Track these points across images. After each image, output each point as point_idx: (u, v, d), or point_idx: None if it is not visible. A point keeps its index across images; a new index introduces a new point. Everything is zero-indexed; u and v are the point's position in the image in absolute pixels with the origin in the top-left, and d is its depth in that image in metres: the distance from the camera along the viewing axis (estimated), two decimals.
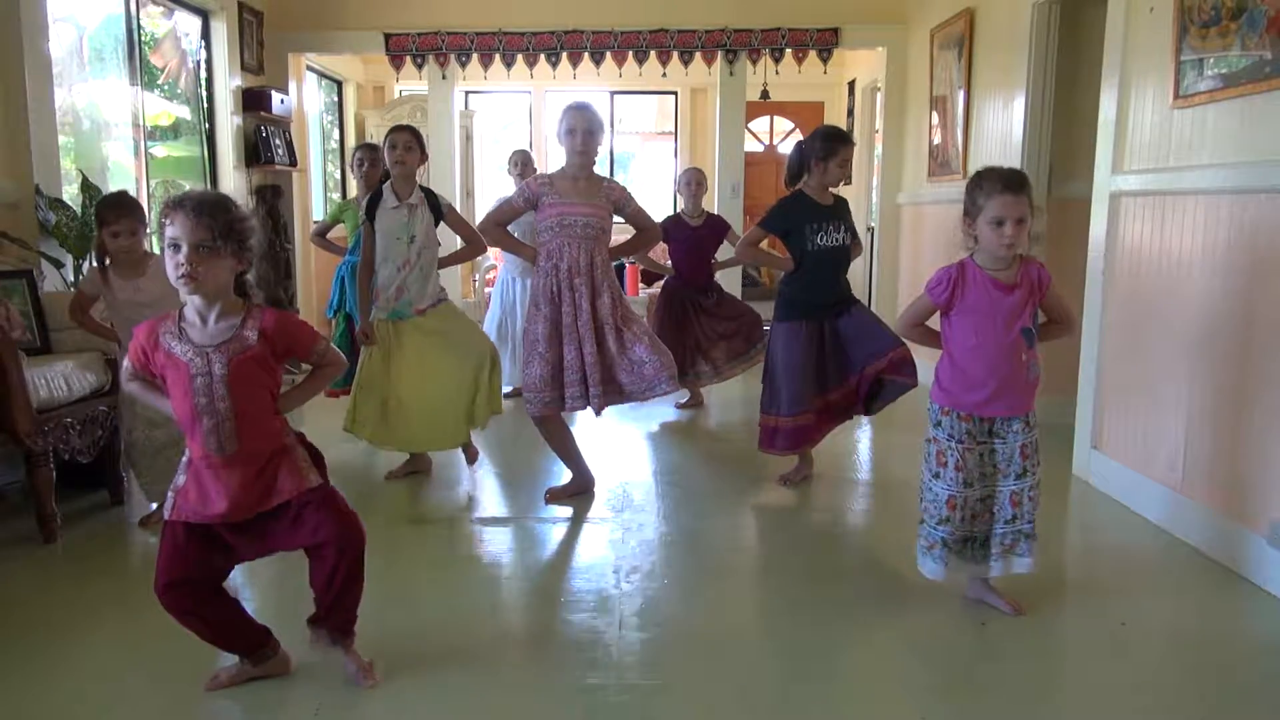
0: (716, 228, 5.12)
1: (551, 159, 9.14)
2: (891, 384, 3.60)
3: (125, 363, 2.12)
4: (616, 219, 3.62)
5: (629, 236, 3.76)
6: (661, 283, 5.30)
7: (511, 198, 3.65)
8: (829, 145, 3.56)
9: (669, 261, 5.19)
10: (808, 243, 3.58)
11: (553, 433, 3.63)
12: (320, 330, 3.30)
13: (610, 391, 3.48)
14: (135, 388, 2.14)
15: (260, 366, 2.03)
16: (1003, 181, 2.38)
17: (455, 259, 4.00)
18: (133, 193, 5.18)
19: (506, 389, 5.46)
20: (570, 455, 3.68)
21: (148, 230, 3.30)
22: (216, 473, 2.02)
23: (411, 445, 3.84)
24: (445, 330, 3.75)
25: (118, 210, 3.17)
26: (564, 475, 3.78)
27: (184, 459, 2.07)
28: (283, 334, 2.06)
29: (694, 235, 5.01)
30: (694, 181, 5.11)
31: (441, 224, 3.80)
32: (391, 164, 3.67)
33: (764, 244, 3.77)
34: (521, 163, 5.41)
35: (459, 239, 3.94)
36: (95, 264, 3.24)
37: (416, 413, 3.70)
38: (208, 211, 1.93)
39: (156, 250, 3.23)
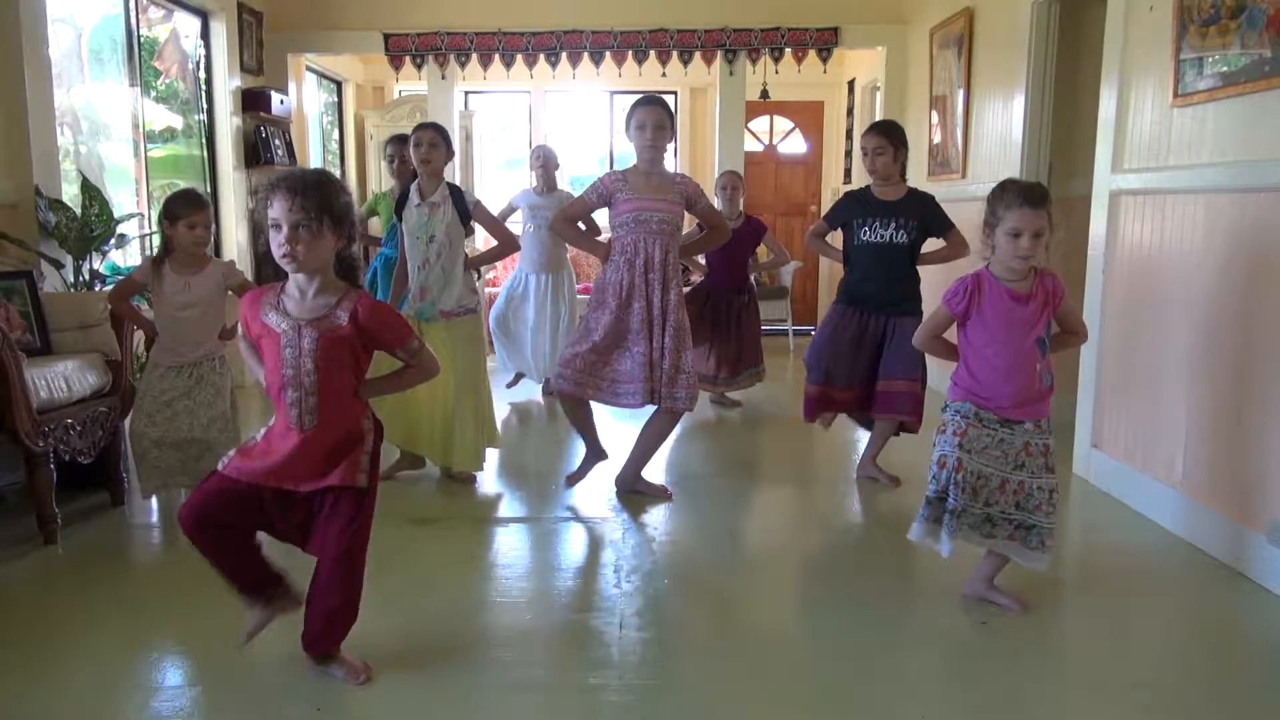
0: (754, 230, 5.15)
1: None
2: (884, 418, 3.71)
3: (239, 325, 2.21)
4: None
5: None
6: (696, 282, 5.33)
7: (585, 194, 3.61)
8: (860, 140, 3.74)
9: (703, 261, 5.22)
10: (854, 237, 3.69)
11: (573, 407, 3.64)
12: None
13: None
14: (244, 347, 2.22)
15: (346, 349, 2.07)
16: (1023, 195, 2.41)
17: (485, 258, 3.97)
18: (132, 194, 5.21)
19: (505, 382, 5.48)
20: (587, 428, 3.70)
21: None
22: (291, 440, 2.07)
23: (406, 443, 3.80)
24: (460, 354, 3.70)
25: (196, 205, 3.24)
26: (567, 475, 3.79)
27: (266, 427, 2.14)
28: (373, 324, 2.09)
29: (731, 237, 5.03)
30: (729, 185, 5.18)
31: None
32: (417, 163, 3.67)
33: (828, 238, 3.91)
34: (545, 157, 5.41)
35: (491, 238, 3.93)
36: (154, 256, 3.29)
37: (418, 414, 3.68)
38: (303, 191, 1.99)
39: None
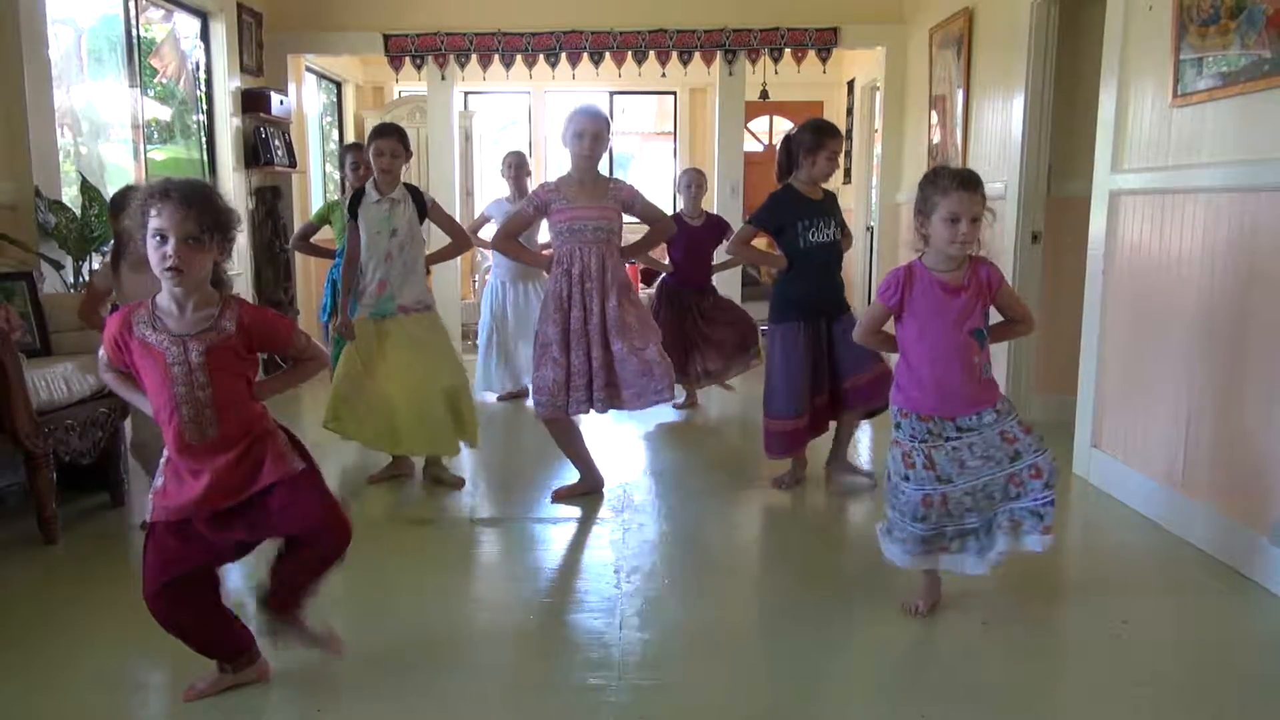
0: (716, 228, 5.11)
1: (551, 160, 9.14)
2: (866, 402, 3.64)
3: (100, 353, 2.09)
4: (628, 219, 3.61)
5: (640, 234, 3.72)
6: (658, 281, 5.30)
7: (521, 207, 3.62)
8: (817, 138, 3.52)
9: (667, 260, 5.19)
10: (800, 240, 3.54)
11: (561, 434, 3.62)
12: (315, 334, 3.29)
13: (613, 395, 3.48)
14: (110, 378, 2.13)
15: (236, 356, 2.01)
16: (958, 179, 2.36)
17: (441, 256, 4.01)
18: None
19: (496, 394, 5.46)
20: (580, 456, 3.67)
21: None
22: (197, 460, 2.00)
23: (388, 445, 3.80)
24: (426, 341, 3.72)
25: (130, 195, 3.20)
26: (565, 475, 3.79)
27: (162, 460, 2.06)
28: (259, 328, 2.04)
29: (693, 235, 5.01)
30: (693, 183, 5.10)
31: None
32: (379, 171, 3.65)
33: (757, 241, 3.76)
34: (515, 164, 5.38)
35: (447, 235, 3.96)
36: (109, 259, 3.28)
37: (396, 413, 3.66)
38: (196, 204, 1.91)
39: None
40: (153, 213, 1.90)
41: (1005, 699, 2.20)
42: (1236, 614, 2.68)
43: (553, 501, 3.61)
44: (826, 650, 2.45)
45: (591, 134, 3.40)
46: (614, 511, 3.53)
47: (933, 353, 2.44)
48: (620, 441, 4.36)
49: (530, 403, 5.40)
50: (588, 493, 3.66)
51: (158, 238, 1.90)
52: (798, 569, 3.04)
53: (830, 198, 3.67)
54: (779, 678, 2.31)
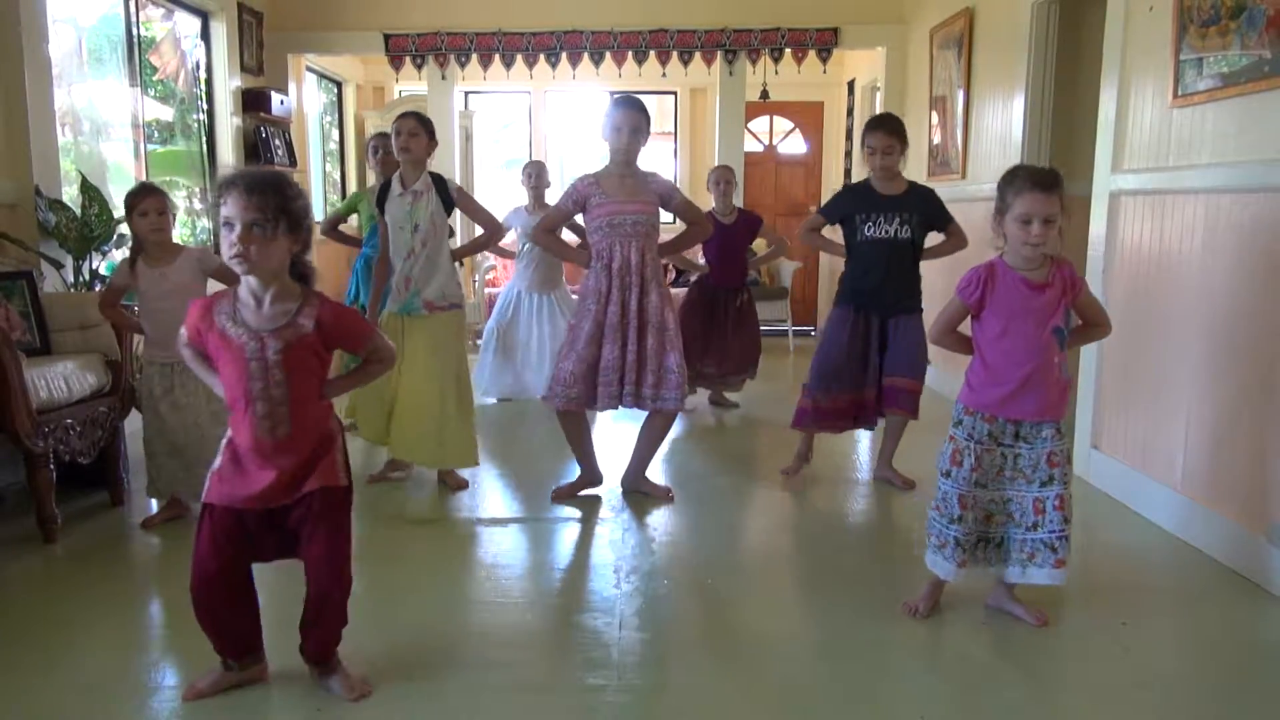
0: (750, 224, 5.11)
1: (551, 160, 9.13)
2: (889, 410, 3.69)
3: (182, 330, 2.10)
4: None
5: (677, 233, 3.73)
6: (693, 280, 5.29)
7: (560, 202, 3.58)
8: (864, 135, 3.65)
9: (702, 259, 5.18)
10: (856, 233, 3.62)
11: (571, 426, 3.62)
12: None
13: (639, 393, 3.46)
14: (187, 354, 2.12)
15: (313, 354, 2.01)
16: (1033, 179, 2.34)
17: (474, 247, 3.96)
18: None
19: (490, 400, 5.43)
20: (584, 451, 3.67)
21: (174, 217, 3.35)
22: (265, 456, 2.00)
23: (384, 439, 3.79)
24: (444, 348, 3.67)
25: (143, 193, 3.28)
26: (565, 475, 3.79)
27: (223, 441, 2.06)
28: (338, 327, 2.04)
29: (727, 233, 4.99)
30: (723, 180, 5.09)
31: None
32: (397, 151, 3.63)
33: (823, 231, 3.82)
34: (535, 175, 5.37)
35: (477, 226, 3.92)
36: (128, 256, 3.32)
37: (401, 413, 3.66)
38: (260, 190, 1.91)
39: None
40: (222, 202, 1.92)
41: (1006, 699, 2.20)
42: (1236, 615, 2.68)
43: (552, 502, 3.61)
44: (826, 650, 2.45)
45: (630, 128, 3.39)
46: (614, 511, 3.53)
47: (1015, 351, 2.41)
48: (621, 441, 4.34)
49: (539, 395, 5.42)
50: (586, 487, 3.67)
51: (226, 225, 1.92)
52: (797, 569, 3.03)
53: (913, 194, 3.64)
54: (779, 678, 2.31)
